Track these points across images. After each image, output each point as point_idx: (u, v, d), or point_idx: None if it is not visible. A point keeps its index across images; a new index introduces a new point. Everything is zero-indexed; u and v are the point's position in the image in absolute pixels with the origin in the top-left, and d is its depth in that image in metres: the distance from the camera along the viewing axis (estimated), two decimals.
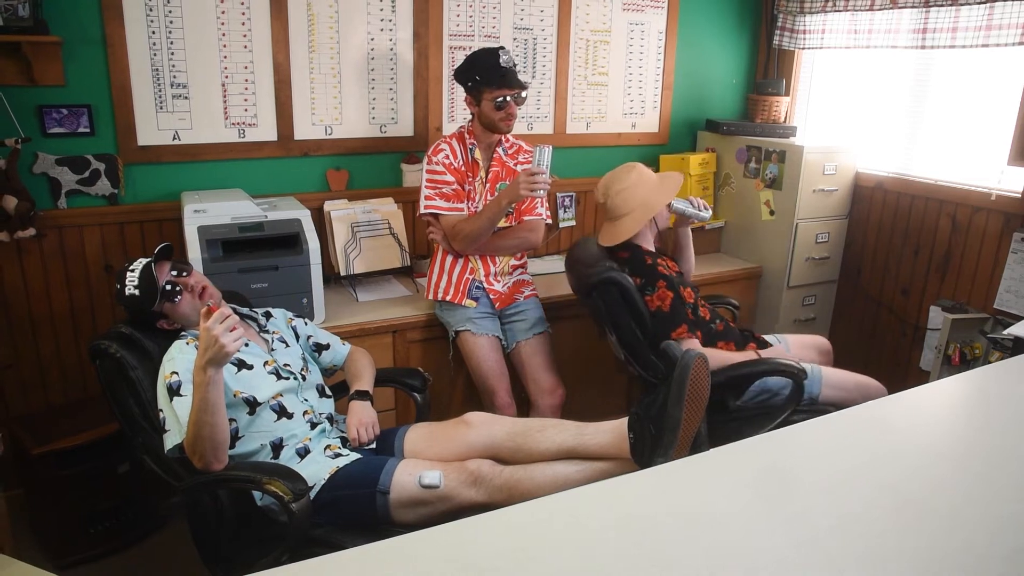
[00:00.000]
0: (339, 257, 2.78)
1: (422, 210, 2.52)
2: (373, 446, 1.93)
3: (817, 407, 2.28)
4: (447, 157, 2.51)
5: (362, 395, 2.00)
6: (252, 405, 1.81)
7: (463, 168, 2.53)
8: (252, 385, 1.83)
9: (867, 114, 3.38)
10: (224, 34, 2.63)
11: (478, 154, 2.55)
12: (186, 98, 2.62)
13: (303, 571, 1.05)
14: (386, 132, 3.00)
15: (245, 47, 2.67)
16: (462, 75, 2.49)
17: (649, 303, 2.30)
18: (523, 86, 2.44)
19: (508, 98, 2.42)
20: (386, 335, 2.62)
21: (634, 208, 2.36)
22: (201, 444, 1.63)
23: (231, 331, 1.58)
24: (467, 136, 2.55)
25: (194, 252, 2.28)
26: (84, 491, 2.36)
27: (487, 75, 2.41)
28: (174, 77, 2.59)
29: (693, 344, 2.25)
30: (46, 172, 2.45)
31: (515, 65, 2.45)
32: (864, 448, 1.42)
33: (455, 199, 2.50)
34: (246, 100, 2.72)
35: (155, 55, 2.54)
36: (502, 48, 2.44)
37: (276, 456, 1.82)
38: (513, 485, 1.69)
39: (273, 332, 2.03)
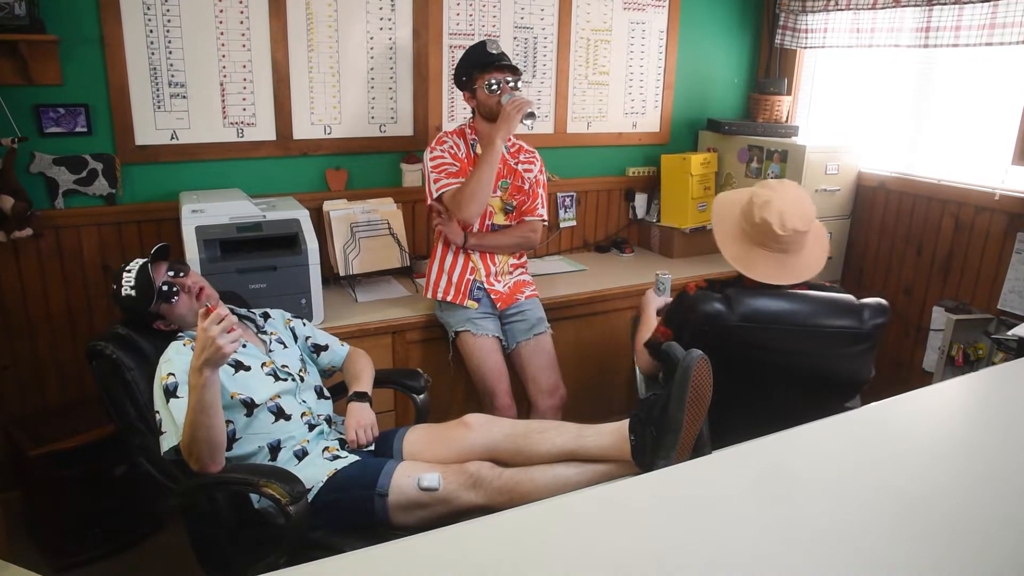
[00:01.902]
0: (338, 257, 2.77)
1: (434, 194, 2.47)
2: (372, 448, 1.92)
3: None
4: (451, 148, 2.51)
5: (361, 396, 1.98)
6: (249, 407, 1.79)
7: (466, 160, 2.52)
8: (249, 386, 1.81)
9: (870, 114, 3.36)
10: (222, 33, 2.61)
11: (480, 149, 2.53)
12: (184, 97, 2.61)
13: (301, 575, 1.03)
14: (386, 131, 2.99)
15: (243, 46, 2.66)
16: (457, 73, 2.51)
17: None
18: (515, 70, 2.45)
19: (499, 82, 2.41)
20: (385, 336, 2.60)
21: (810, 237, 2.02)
22: (197, 446, 1.61)
23: (228, 332, 1.57)
24: (468, 131, 2.55)
25: (192, 252, 2.26)
26: (81, 493, 2.34)
27: (477, 62, 2.44)
28: (172, 76, 2.57)
29: None
30: (43, 172, 2.44)
31: (503, 53, 2.46)
32: (867, 450, 1.41)
33: (461, 175, 2.47)
34: (244, 99, 2.70)
35: (153, 54, 2.53)
36: (489, 38, 2.47)
37: (274, 458, 1.81)
38: (513, 487, 1.67)
39: (271, 333, 2.01)
